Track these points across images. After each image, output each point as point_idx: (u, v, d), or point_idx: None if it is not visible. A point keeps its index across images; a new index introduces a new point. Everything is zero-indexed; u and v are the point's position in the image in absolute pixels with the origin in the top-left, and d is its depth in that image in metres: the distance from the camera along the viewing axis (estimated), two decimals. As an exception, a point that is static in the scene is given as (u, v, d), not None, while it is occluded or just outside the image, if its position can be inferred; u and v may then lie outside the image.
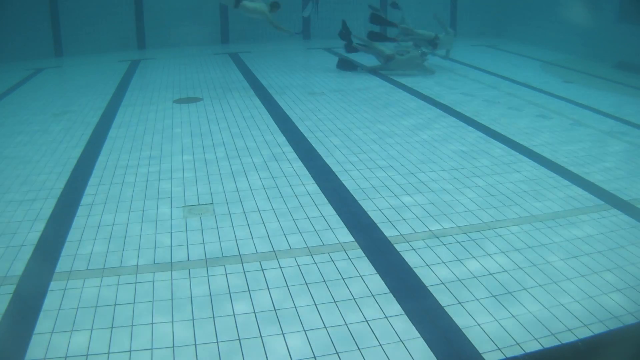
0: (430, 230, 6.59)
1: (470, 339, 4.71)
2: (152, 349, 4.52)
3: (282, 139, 9.69)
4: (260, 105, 11.84)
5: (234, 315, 4.95)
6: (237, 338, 4.65)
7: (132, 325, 4.79)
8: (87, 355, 4.44)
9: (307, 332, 4.74)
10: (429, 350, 4.56)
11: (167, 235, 6.34)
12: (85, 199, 7.36)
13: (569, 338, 4.77)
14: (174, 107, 11.68)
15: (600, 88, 14.92)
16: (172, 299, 5.16)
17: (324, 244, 6.20)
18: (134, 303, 5.11)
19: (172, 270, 5.63)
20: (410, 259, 5.95)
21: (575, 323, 4.98)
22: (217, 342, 4.61)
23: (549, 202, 7.49)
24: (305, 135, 9.87)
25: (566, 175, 8.41)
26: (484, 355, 4.53)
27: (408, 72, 15.34)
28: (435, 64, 16.46)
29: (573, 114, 12.03)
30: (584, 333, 4.85)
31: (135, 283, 5.41)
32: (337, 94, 13.02)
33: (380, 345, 4.60)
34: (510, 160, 8.93)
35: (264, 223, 6.65)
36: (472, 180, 8.09)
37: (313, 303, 5.15)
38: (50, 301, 5.14)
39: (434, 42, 16.44)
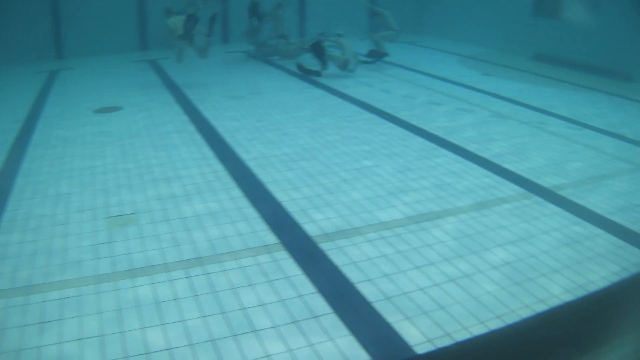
0: (355, 228, 6.60)
1: (399, 333, 4.72)
2: (76, 365, 4.42)
3: (203, 143, 9.56)
4: (180, 111, 11.66)
5: (163, 325, 4.86)
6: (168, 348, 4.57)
7: (60, 343, 4.65)
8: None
9: (236, 337, 4.68)
10: (359, 346, 4.55)
11: (91, 248, 6.18)
12: (7, 215, 7.11)
13: (497, 324, 4.83)
14: (94, 117, 11.44)
15: (519, 80, 15.24)
16: (100, 312, 5.03)
17: (249, 247, 6.13)
18: (60, 320, 4.95)
19: (98, 284, 5.49)
20: (336, 257, 5.94)
21: (502, 309, 5.05)
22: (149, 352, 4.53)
23: (472, 193, 7.58)
24: (226, 140, 9.74)
25: (487, 166, 8.53)
26: (414, 348, 4.54)
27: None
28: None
29: (492, 106, 12.23)
30: (512, 319, 4.92)
31: (62, 299, 5.25)
32: (257, 96, 12.94)
33: (311, 344, 4.57)
34: (433, 154, 9.01)
35: (188, 230, 6.54)
36: (395, 177, 8.14)
37: (240, 308, 5.09)
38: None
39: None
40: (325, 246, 6.15)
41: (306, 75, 15.14)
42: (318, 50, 15.08)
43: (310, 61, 15.73)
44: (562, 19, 17.12)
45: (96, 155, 9.04)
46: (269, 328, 4.78)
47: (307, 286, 5.41)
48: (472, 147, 9.38)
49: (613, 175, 8.38)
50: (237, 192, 7.56)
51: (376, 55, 17.09)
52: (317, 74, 14.96)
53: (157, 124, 10.69)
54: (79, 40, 18.84)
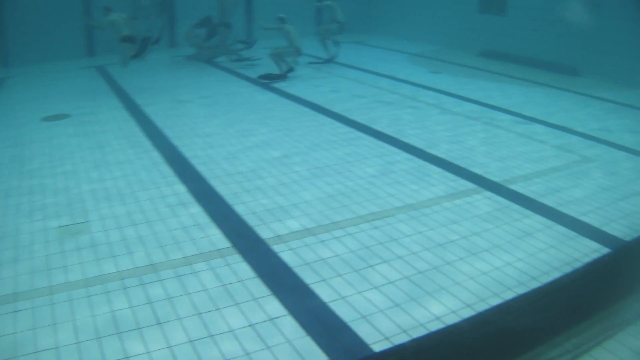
0: (306, 229, 6.59)
1: (356, 332, 4.72)
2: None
3: (150, 147, 9.45)
4: (128, 116, 11.53)
5: (118, 334, 4.78)
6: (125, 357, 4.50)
7: (14, 358, 4.54)
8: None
9: (193, 342, 4.63)
10: (317, 346, 4.55)
11: (43, 258, 6.06)
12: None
13: (453, 319, 4.86)
14: (42, 125, 11.25)
15: (468, 76, 15.41)
16: (54, 324, 4.93)
17: (201, 252, 6.08)
18: (14, 333, 4.84)
19: (51, 295, 5.37)
20: (289, 258, 5.93)
21: (457, 304, 5.09)
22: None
23: (423, 190, 7.62)
24: (174, 143, 9.65)
25: (438, 163, 8.61)
26: (372, 346, 4.54)
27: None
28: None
29: (441, 103, 12.34)
30: (466, 313, 4.95)
31: (15, 312, 5.13)
32: (205, 100, 12.85)
33: (268, 347, 4.55)
34: (383, 152, 9.05)
35: (139, 237, 6.46)
36: (343, 175, 8.15)
37: (196, 313, 5.04)
38: None
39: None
40: (278, 248, 6.13)
41: (272, 81, 15.01)
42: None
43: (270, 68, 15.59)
44: (508, 16, 17.39)
45: (45, 163, 8.87)
46: (226, 332, 4.75)
47: (261, 288, 5.38)
48: (421, 144, 9.44)
49: (561, 168, 8.50)
50: (187, 197, 7.48)
51: (331, 59, 17.42)
52: (283, 77, 14.91)
53: (105, 130, 10.55)
54: (25, 48, 18.47)
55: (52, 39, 18.72)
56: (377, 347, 4.52)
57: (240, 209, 7.10)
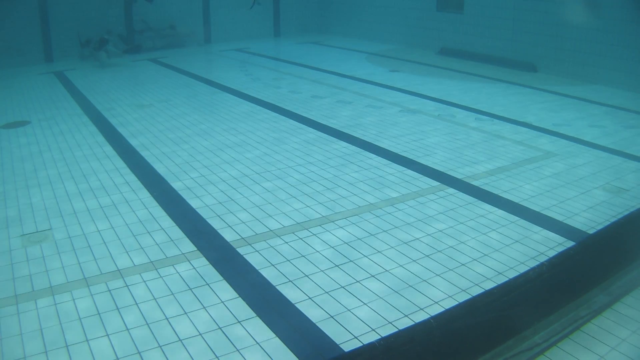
0: (271, 230, 6.55)
1: (325, 331, 4.69)
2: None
3: (113, 154, 9.32)
4: (89, 123, 11.37)
5: (87, 341, 4.70)
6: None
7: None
8: None
9: (162, 347, 4.57)
10: (286, 348, 4.51)
11: (7, 267, 5.94)
12: None
13: (421, 316, 4.85)
14: (1, 132, 11.07)
15: (426, 74, 15.48)
16: (21, 334, 4.83)
17: (167, 257, 6.01)
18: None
19: (17, 304, 5.26)
20: (254, 260, 5.88)
21: (425, 301, 5.10)
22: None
23: (386, 189, 7.62)
24: (137, 149, 9.54)
25: (400, 161, 8.62)
26: (341, 346, 4.51)
27: None
28: (255, 62, 16.63)
29: (401, 101, 12.37)
30: (435, 310, 4.95)
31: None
32: (165, 104, 12.73)
33: (237, 349, 4.50)
34: (345, 153, 9.04)
35: (105, 243, 6.36)
36: (307, 177, 8.12)
37: (164, 317, 4.97)
38: None
39: None
40: (243, 250, 6.08)
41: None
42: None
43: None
44: (466, 13, 17.50)
45: (6, 171, 8.72)
46: (195, 336, 4.70)
47: (228, 292, 5.33)
48: (383, 143, 9.45)
49: (524, 163, 8.57)
50: (152, 202, 7.40)
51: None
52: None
53: (66, 137, 10.39)
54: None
55: (8, 45, 18.41)
56: (347, 347, 4.50)
57: (204, 213, 7.03)
